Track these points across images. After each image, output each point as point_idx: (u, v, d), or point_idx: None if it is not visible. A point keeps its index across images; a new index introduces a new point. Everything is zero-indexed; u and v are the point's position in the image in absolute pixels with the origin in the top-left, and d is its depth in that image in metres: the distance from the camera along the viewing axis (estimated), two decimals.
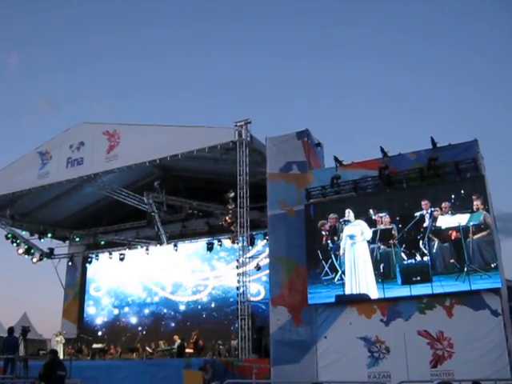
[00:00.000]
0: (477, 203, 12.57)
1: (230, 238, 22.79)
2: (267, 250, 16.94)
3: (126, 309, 27.47)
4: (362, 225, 14.02)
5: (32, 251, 27.55)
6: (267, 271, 17.24)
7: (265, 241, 21.28)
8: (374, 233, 13.77)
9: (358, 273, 13.73)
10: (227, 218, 20.76)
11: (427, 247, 12.96)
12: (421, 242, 13.08)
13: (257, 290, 22.14)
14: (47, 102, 66.13)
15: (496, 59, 50.16)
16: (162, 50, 63.84)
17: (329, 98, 58.77)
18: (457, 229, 12.71)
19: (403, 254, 13.24)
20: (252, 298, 18.65)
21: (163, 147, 19.21)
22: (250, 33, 62.76)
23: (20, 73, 64.49)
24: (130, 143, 19.99)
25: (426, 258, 12.92)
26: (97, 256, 28.58)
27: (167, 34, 61.97)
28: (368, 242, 13.79)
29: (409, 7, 53.03)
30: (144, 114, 59.51)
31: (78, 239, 28.22)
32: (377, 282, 13.37)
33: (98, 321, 28.17)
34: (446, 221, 12.90)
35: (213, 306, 25.04)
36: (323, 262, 14.20)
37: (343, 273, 13.89)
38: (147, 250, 26.64)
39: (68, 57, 64.64)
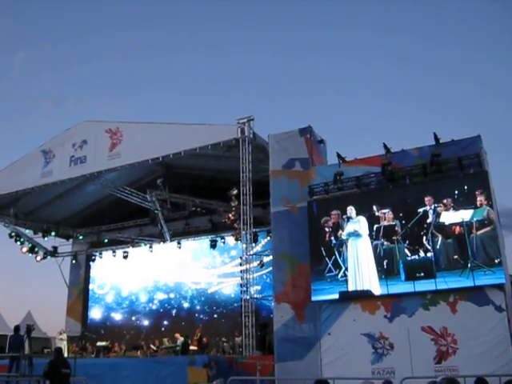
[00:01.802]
0: (480, 199, 12.54)
1: (233, 236, 22.78)
2: (270, 246, 16.94)
3: (130, 306, 27.51)
4: (361, 221, 14.02)
5: (36, 250, 27.59)
6: (271, 268, 17.25)
7: (268, 238, 21.29)
8: (378, 229, 13.75)
9: (361, 269, 13.72)
10: (230, 215, 20.76)
11: (431, 243, 12.94)
12: (424, 237, 13.06)
13: (260, 286, 22.15)
14: (51, 101, 66.34)
15: (498, 56, 50.08)
16: (165, 49, 63.97)
17: (331, 94, 58.72)
18: (460, 224, 12.68)
19: (407, 250, 13.22)
20: (255, 295, 18.66)
21: (166, 145, 19.21)
22: (252, 31, 62.72)
23: (24, 72, 64.66)
24: (133, 141, 19.98)
25: (429, 254, 12.91)
26: (100, 254, 28.64)
27: (170, 33, 62.07)
28: (371, 238, 13.78)
29: (410, 6, 52.99)
30: (147, 112, 59.66)
31: (81, 237, 28.25)
32: (380, 278, 13.36)
33: (102, 319, 28.23)
34: (449, 217, 12.87)
35: (217, 303, 25.05)
36: (326, 258, 14.19)
37: (346, 269, 13.89)
38: (151, 247, 26.69)
39: (72, 55, 64.85)
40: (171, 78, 63.33)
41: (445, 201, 12.97)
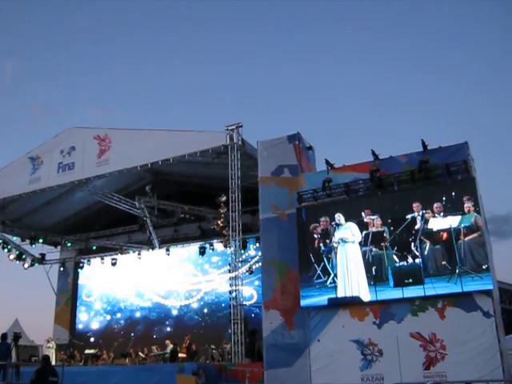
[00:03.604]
0: (468, 205, 12.61)
1: (222, 242, 22.79)
2: (259, 253, 16.93)
3: (119, 314, 27.39)
4: (352, 227, 14.03)
5: (23, 257, 27.47)
6: (260, 275, 17.23)
7: (257, 244, 21.28)
8: (366, 235, 13.77)
9: (351, 276, 13.73)
10: (219, 221, 20.74)
11: (419, 249, 12.97)
12: (412, 244, 13.10)
13: (249, 293, 22.12)
14: (42, 108, 66.24)
15: (488, 60, 50.52)
16: (154, 56, 64.12)
17: (320, 101, 59.04)
18: (448, 231, 12.73)
19: (395, 257, 13.24)
20: (245, 302, 18.62)
21: (154, 151, 19.17)
22: (240, 37, 62.99)
23: (15, 79, 64.73)
24: (121, 148, 19.94)
25: (417, 260, 12.94)
26: (89, 261, 28.46)
27: (159, 41, 62.22)
28: (360, 244, 13.80)
29: (398, 8, 53.33)
30: (138, 119, 59.87)
31: (69, 244, 28.12)
32: (369, 284, 13.37)
33: (91, 326, 28.06)
34: (437, 223, 12.92)
35: (205, 310, 25.00)
36: (315, 265, 14.18)
37: (335, 276, 13.89)
38: (139, 254, 26.56)
39: (62, 63, 64.93)
40: (160, 85, 63.49)
41: (433, 207, 13.01)
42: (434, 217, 12.98)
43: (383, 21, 53.32)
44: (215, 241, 24.24)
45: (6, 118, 61.31)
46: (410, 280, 12.87)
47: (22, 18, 60.57)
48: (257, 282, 21.32)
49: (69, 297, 29.02)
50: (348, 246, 14.01)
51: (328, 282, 13.93)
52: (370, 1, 53.49)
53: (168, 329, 25.63)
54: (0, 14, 59.77)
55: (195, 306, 25.31)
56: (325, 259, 14.17)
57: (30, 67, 64.69)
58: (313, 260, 14.27)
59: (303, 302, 14.03)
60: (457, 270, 12.34)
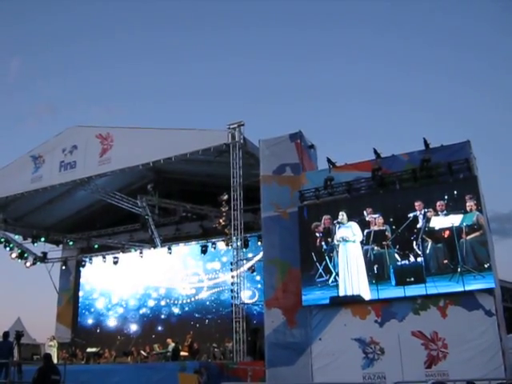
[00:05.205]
0: (470, 204, 12.58)
1: (224, 241, 22.78)
2: (261, 252, 16.92)
3: (121, 312, 27.39)
4: (353, 226, 14.01)
5: (25, 255, 27.50)
6: (261, 273, 17.23)
7: (259, 243, 21.27)
8: (368, 234, 13.76)
9: (352, 274, 13.71)
10: (221, 220, 20.73)
11: (421, 248, 12.95)
12: (414, 242, 13.08)
13: (251, 292, 22.12)
14: (47, 107, 66.35)
15: (491, 59, 50.42)
16: (157, 55, 64.08)
17: (322, 99, 58.93)
18: (450, 229, 12.70)
19: (397, 255, 13.22)
20: (246, 301, 18.63)
21: (156, 150, 19.19)
22: (243, 35, 62.99)
23: (20, 78, 64.83)
24: (123, 146, 19.95)
25: (419, 259, 12.92)
26: (90, 260, 28.50)
27: (162, 39, 62.18)
28: (361, 243, 13.78)
29: (399, 8, 53.26)
30: (140, 118, 59.73)
31: (71, 243, 28.13)
32: (371, 283, 13.36)
33: (92, 325, 28.08)
34: (439, 221, 12.90)
35: (207, 308, 24.99)
36: (317, 263, 14.17)
37: (337, 274, 13.88)
38: (141, 253, 26.55)
39: (67, 62, 65.01)
40: (163, 84, 63.47)
41: (435, 206, 12.98)
42: (436, 215, 12.96)
43: (385, 20, 53.27)
44: (217, 239, 24.24)
45: (10, 117, 61.42)
46: (412, 279, 12.85)
47: (26, 17, 60.69)
48: (258, 278, 21.31)
49: (71, 295, 29.04)
50: (349, 245, 14.00)
51: (330, 281, 13.92)
52: (372, 0, 53.40)
53: (170, 327, 25.60)
54: (4, 12, 59.79)
55: (197, 304, 25.31)
56: (326, 258, 14.15)
57: (34, 66, 64.75)
58: (314, 259, 14.26)
59: (305, 301, 14.03)
60: (459, 269, 12.32)
